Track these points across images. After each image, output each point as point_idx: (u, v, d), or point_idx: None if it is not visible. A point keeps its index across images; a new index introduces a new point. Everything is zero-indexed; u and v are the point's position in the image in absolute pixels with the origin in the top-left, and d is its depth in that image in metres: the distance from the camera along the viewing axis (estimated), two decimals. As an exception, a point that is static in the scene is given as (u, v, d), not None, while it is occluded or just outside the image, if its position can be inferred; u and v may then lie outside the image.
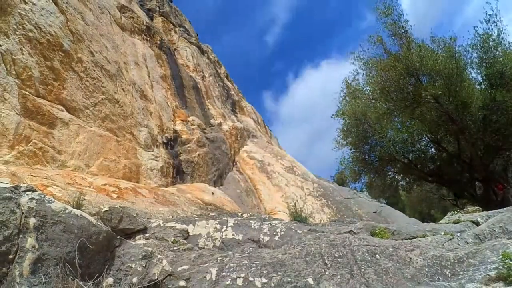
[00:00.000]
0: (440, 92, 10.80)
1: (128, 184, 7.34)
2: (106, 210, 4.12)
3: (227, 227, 4.67)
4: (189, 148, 11.39)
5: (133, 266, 3.37)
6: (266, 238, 4.45)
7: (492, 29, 11.13)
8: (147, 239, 4.13)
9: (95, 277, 3.11)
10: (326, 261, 3.60)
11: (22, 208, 2.86)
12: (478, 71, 11.78)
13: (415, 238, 4.48)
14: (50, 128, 6.53)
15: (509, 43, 11.27)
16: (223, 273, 3.38)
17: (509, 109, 10.66)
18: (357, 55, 12.49)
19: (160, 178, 9.34)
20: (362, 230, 4.69)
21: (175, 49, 15.69)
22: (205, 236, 4.52)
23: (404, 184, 16.28)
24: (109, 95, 8.61)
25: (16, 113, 5.85)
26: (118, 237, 3.66)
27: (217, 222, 4.80)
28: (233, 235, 4.51)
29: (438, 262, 3.58)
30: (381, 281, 3.32)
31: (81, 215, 3.27)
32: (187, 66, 15.74)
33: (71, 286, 2.80)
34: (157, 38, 13.56)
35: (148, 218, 5.05)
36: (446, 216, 6.63)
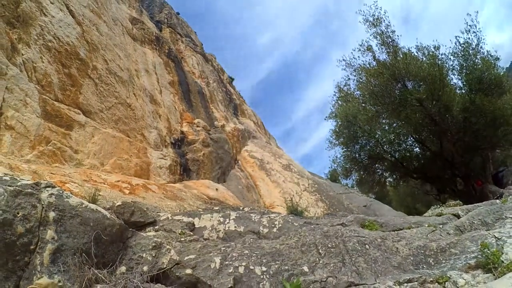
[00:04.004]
0: (424, 96, 10.82)
1: (139, 181, 7.33)
2: (119, 205, 4.12)
3: (229, 220, 4.66)
4: (194, 148, 11.39)
5: (144, 255, 3.37)
6: (265, 230, 4.45)
7: (472, 38, 11.16)
8: (156, 231, 4.12)
9: (109, 265, 3.11)
10: (320, 251, 3.59)
11: (43, 203, 2.86)
12: (459, 77, 11.82)
13: (401, 229, 4.47)
14: (68, 130, 6.53)
15: (487, 52, 11.29)
16: (226, 262, 3.38)
17: (487, 112, 10.68)
18: (348, 62, 12.49)
19: (168, 175, 9.33)
20: (353, 223, 4.69)
21: (182, 58, 15.69)
22: (210, 228, 4.51)
23: (391, 180, 16.31)
24: (121, 100, 8.61)
25: (37, 116, 5.86)
26: (130, 229, 3.66)
27: (220, 216, 4.79)
28: (235, 227, 4.51)
29: (422, 251, 3.57)
30: (371, 269, 3.32)
31: (96, 209, 3.27)
32: (193, 73, 15.74)
33: (87, 274, 2.80)
34: (166, 48, 13.56)
35: (157, 212, 5.04)
36: (429, 210, 6.63)
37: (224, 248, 3.69)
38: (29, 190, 2.83)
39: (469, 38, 11.15)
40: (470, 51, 11.14)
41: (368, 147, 13.49)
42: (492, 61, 11.12)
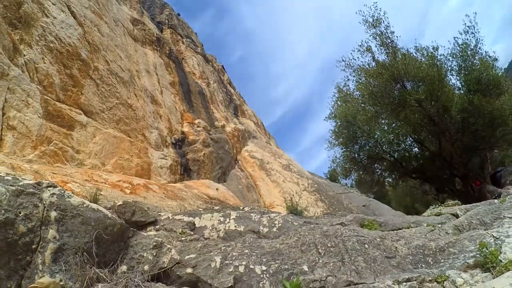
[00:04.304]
0: (423, 96, 10.82)
1: (140, 180, 7.33)
2: (120, 204, 4.11)
3: (230, 219, 4.66)
4: (195, 148, 11.39)
5: (144, 255, 3.37)
6: (265, 230, 4.45)
7: (470, 39, 11.17)
8: (157, 230, 4.12)
9: (111, 265, 3.11)
10: (320, 250, 3.59)
11: (44, 203, 2.86)
12: (458, 77, 11.83)
13: (400, 229, 4.47)
14: (70, 130, 6.53)
15: (485, 52, 11.31)
16: (227, 261, 3.38)
17: (485, 112, 10.68)
18: (347, 63, 12.48)
19: (169, 175, 9.33)
20: (352, 222, 4.69)
21: (183, 58, 15.69)
22: (210, 228, 4.51)
23: (390, 180, 16.32)
24: (123, 100, 8.61)
25: (39, 117, 5.86)
26: (131, 228, 3.66)
27: (221, 215, 4.79)
28: (235, 226, 4.51)
29: (421, 251, 3.57)
30: (370, 268, 3.32)
31: (97, 208, 3.27)
32: (193, 73, 15.74)
33: (88, 273, 2.80)
34: (166, 48, 13.56)
35: (158, 212, 5.04)
36: (428, 209, 6.61)
37: (224, 247, 3.68)
38: (31, 189, 2.83)
39: (467, 39, 11.17)
40: (469, 52, 11.15)
41: (368, 147, 13.50)
42: (490, 62, 11.13)
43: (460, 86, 11.84)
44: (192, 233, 4.28)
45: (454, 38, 11.34)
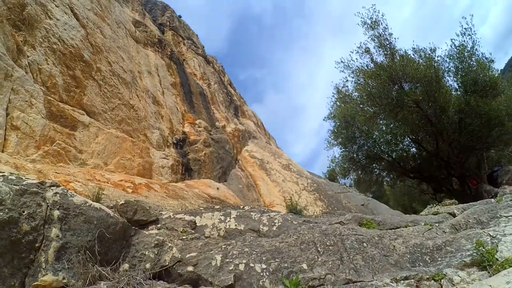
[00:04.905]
0: (420, 97, 10.83)
1: (142, 180, 7.33)
2: (122, 203, 4.11)
3: (230, 218, 4.66)
4: (196, 148, 11.39)
5: (146, 253, 3.37)
6: (265, 228, 4.45)
7: (467, 41, 11.17)
8: (159, 229, 4.12)
9: (113, 263, 3.11)
10: (319, 249, 3.59)
11: (48, 202, 2.86)
12: (455, 78, 11.82)
13: (398, 228, 4.47)
14: (72, 130, 6.53)
15: (482, 54, 11.30)
16: (227, 260, 3.38)
17: (482, 113, 10.68)
18: (346, 64, 12.48)
19: (171, 174, 9.33)
20: (351, 221, 4.69)
21: (184, 60, 15.69)
22: (211, 227, 4.51)
23: (388, 179, 16.34)
24: (125, 101, 8.61)
25: (42, 117, 5.86)
26: (133, 227, 3.66)
27: (221, 214, 4.79)
28: (235, 225, 4.51)
29: (419, 249, 3.57)
30: (368, 266, 3.32)
31: (100, 207, 3.27)
32: (194, 74, 15.74)
33: (91, 271, 2.80)
34: (168, 50, 13.56)
35: (159, 211, 5.04)
36: (426, 209, 6.61)
37: (224, 246, 3.69)
38: (34, 189, 2.83)
39: (464, 41, 11.16)
40: (466, 54, 11.14)
41: (366, 147, 13.52)
42: (487, 63, 11.13)
43: (457, 87, 11.85)
44: (193, 231, 4.28)
45: (451, 40, 11.35)
